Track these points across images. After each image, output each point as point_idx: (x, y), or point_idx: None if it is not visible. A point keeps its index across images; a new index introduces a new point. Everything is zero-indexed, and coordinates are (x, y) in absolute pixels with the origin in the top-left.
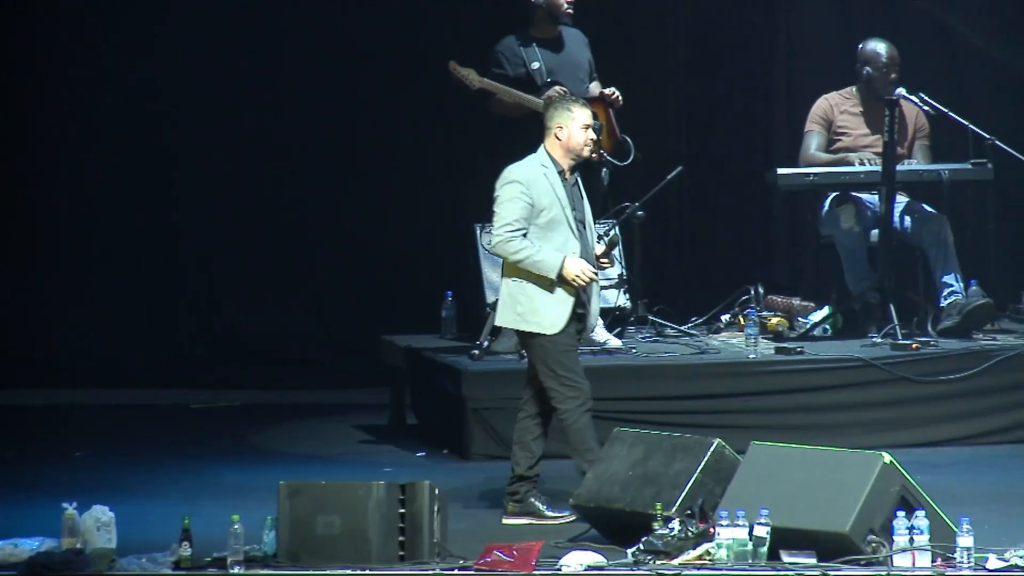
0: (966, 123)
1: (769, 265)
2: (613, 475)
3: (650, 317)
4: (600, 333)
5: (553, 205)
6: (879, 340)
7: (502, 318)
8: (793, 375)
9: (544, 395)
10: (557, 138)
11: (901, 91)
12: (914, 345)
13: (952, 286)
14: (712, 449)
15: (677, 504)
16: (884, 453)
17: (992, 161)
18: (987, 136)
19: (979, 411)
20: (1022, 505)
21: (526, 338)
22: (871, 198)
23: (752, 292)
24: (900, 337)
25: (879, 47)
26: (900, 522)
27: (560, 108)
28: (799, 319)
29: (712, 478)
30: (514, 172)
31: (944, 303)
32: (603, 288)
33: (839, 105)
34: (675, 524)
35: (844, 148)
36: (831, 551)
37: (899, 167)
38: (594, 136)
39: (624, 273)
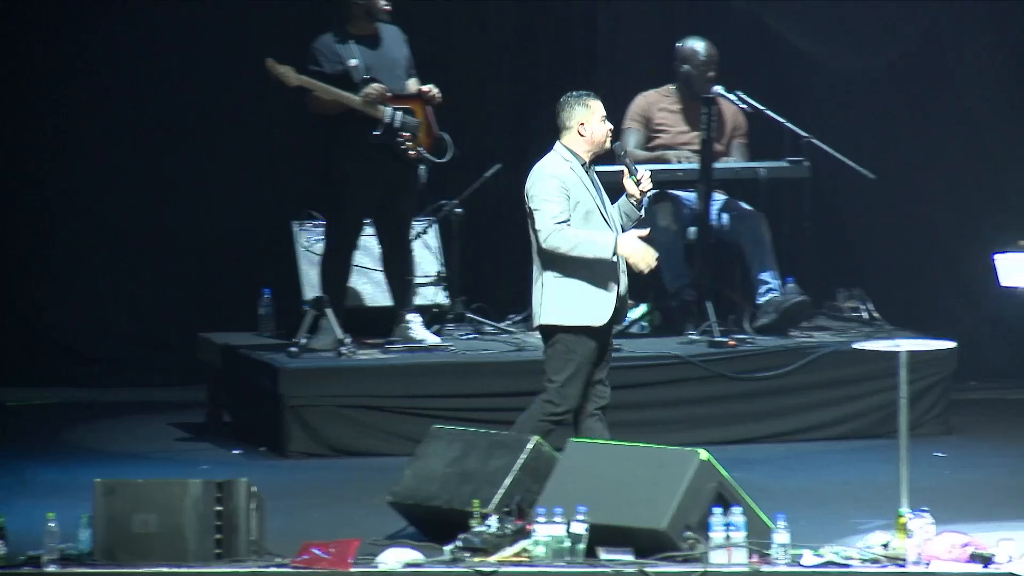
0: (783, 121)
1: None
2: (431, 472)
3: (468, 314)
4: (418, 331)
5: (585, 197)
6: (696, 337)
7: (545, 315)
8: (611, 372)
9: (598, 391)
10: (580, 134)
11: (719, 89)
12: (731, 342)
13: (769, 283)
14: (530, 446)
15: (495, 501)
16: (701, 450)
17: (809, 159)
18: (804, 134)
19: (795, 408)
20: (838, 502)
21: (559, 333)
22: (689, 196)
23: None
24: (717, 334)
25: (697, 45)
26: (717, 518)
27: (577, 105)
28: None
29: (530, 475)
30: (547, 168)
31: (761, 300)
32: (421, 285)
33: (657, 103)
34: (493, 521)
35: (662, 146)
36: (648, 548)
37: (717, 165)
38: (611, 126)
39: (442, 270)
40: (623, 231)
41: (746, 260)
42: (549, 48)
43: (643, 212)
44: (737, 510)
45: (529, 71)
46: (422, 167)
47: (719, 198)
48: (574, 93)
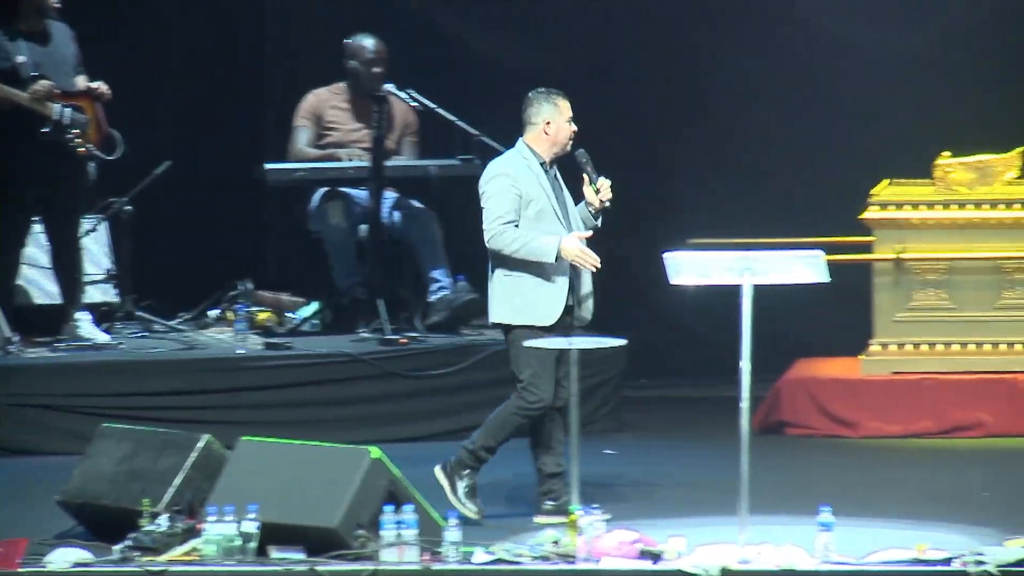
0: (454, 119)
1: (258, 260)
2: (100, 471)
3: (138, 312)
4: (88, 329)
5: (540, 196)
6: (368, 335)
7: (495, 314)
8: (282, 370)
9: (558, 391)
10: (545, 132)
11: (390, 87)
12: (402, 340)
13: (440, 281)
14: (201, 445)
15: (165, 500)
16: (373, 448)
17: (480, 157)
18: (475, 132)
19: (467, 405)
20: (506, 498)
21: (515, 331)
22: (360, 193)
23: (241, 287)
24: (389, 332)
25: (365, 41)
26: (388, 517)
27: (545, 103)
28: (288, 314)
29: (201, 474)
30: (500, 166)
31: (432, 298)
32: (90, 283)
33: (327, 100)
34: (163, 520)
35: (333, 143)
36: (320, 546)
37: (388, 163)
38: (575, 128)
39: (112, 268)
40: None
41: (417, 258)
42: (217, 44)
43: (599, 222)
44: (408, 508)
45: (198, 68)
46: (91, 164)
47: (390, 196)
48: (543, 90)
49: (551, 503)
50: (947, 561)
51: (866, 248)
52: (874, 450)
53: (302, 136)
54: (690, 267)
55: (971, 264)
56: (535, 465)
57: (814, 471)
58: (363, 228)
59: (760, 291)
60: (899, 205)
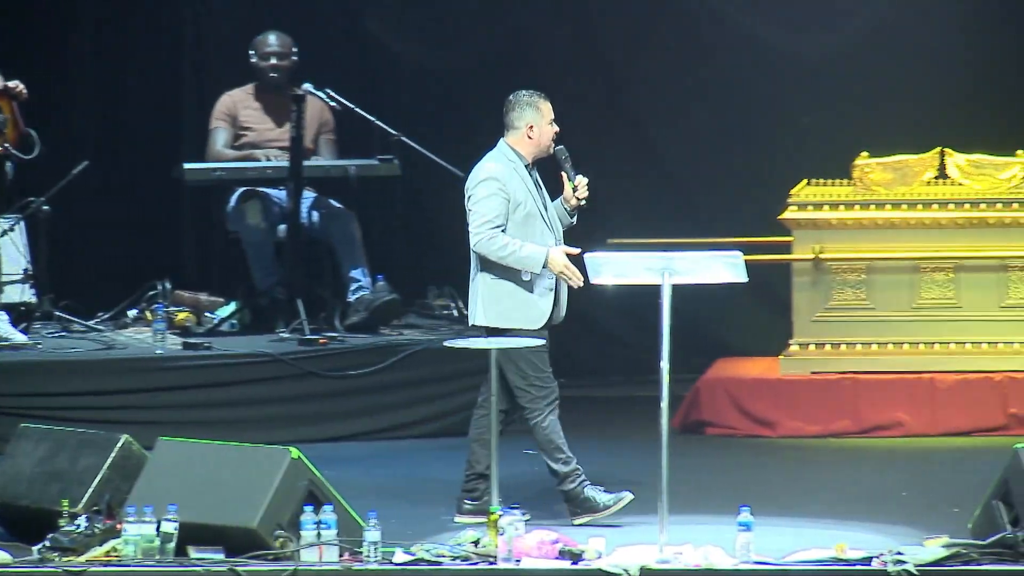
0: (373, 119)
1: (177, 260)
2: (19, 472)
3: (56, 312)
4: (4, 329)
5: (527, 200)
6: (287, 335)
7: (482, 316)
8: (201, 370)
9: (509, 392)
10: (528, 136)
11: (308, 86)
12: (322, 340)
13: (360, 281)
14: (120, 445)
15: (84, 501)
16: (292, 448)
17: (399, 157)
18: (393, 132)
19: (387, 406)
20: (430, 499)
21: (497, 334)
22: (279, 193)
23: (160, 287)
24: (308, 332)
25: (268, 36)
26: (308, 517)
27: (528, 106)
28: (207, 314)
29: (120, 474)
30: (488, 169)
31: (352, 298)
32: (8, 283)
33: (242, 101)
34: (82, 521)
35: (249, 144)
36: (240, 546)
37: (307, 163)
38: (557, 129)
39: (30, 268)
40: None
41: (336, 258)
42: (135, 44)
43: (575, 220)
44: (328, 508)
45: (115, 67)
46: (9, 164)
47: (309, 196)
48: (525, 93)
49: (472, 503)
50: (867, 560)
51: (785, 248)
52: (793, 450)
53: (219, 137)
54: (610, 267)
55: (890, 264)
56: (468, 459)
57: (734, 471)
58: (282, 228)
59: (680, 291)
60: (818, 205)
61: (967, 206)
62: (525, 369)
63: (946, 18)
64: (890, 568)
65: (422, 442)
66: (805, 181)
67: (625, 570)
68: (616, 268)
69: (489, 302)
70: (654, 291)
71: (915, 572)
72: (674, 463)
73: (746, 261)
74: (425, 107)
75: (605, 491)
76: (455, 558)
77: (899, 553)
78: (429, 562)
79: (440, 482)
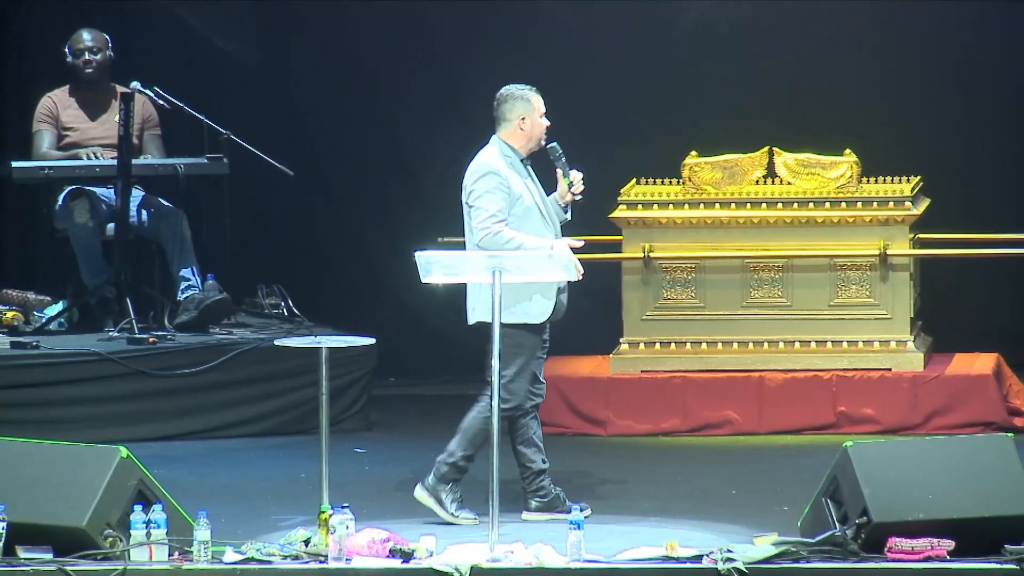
0: (202, 117)
1: (3, 259)
2: None
3: None
4: None
5: (525, 193)
6: (116, 334)
7: (482, 313)
8: (29, 369)
9: (536, 388)
10: (520, 129)
11: (136, 85)
12: (151, 339)
13: (189, 280)
14: None
15: None
16: (121, 447)
17: (228, 156)
18: (223, 131)
19: (217, 405)
20: (260, 498)
21: (506, 330)
22: (107, 192)
23: None
24: (137, 331)
25: (81, 33)
26: (138, 516)
27: (519, 99)
28: (35, 313)
29: None
30: (488, 163)
31: (181, 297)
32: None
33: (62, 101)
34: None
35: (73, 144)
36: (69, 546)
37: (136, 161)
38: (549, 123)
39: None
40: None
41: (166, 257)
42: None
43: (569, 215)
44: (158, 507)
45: None
46: None
47: (138, 194)
48: (515, 87)
49: (540, 500)
50: (697, 559)
51: (615, 247)
52: (624, 448)
53: (44, 139)
54: (441, 265)
55: (719, 263)
56: (521, 462)
57: (565, 469)
58: (110, 227)
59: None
60: (647, 204)
61: (796, 205)
62: (511, 367)
63: (773, 16)
64: (720, 566)
65: (252, 441)
66: (634, 180)
67: (456, 569)
68: (447, 267)
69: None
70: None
71: (744, 570)
72: (505, 461)
73: (576, 259)
74: (255, 105)
75: (465, 509)
76: (286, 557)
77: (729, 551)
78: (259, 561)
79: (270, 481)
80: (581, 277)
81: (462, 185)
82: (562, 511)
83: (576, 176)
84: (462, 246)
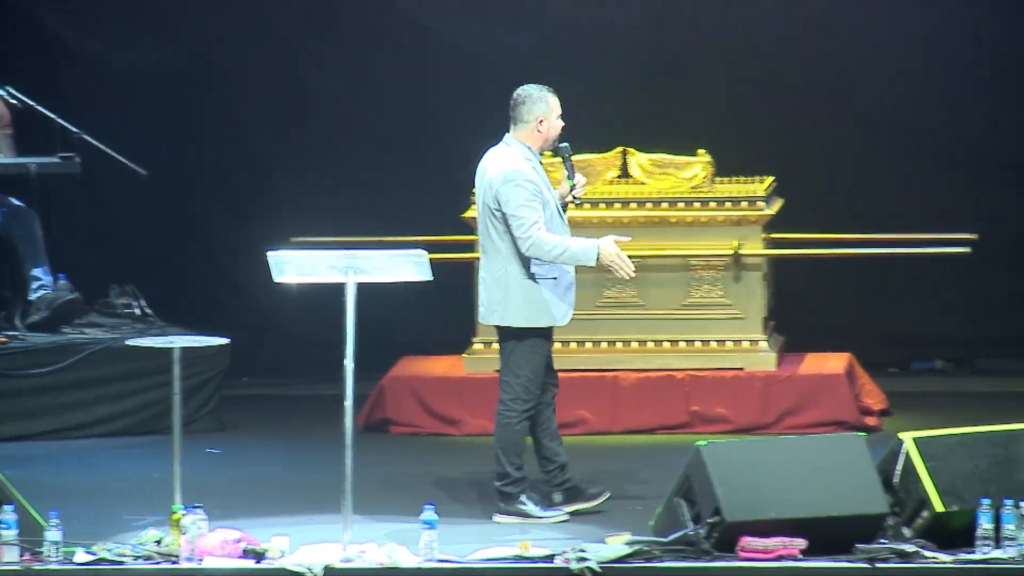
0: (54, 116)
1: None
2: None
3: None
4: None
5: (548, 196)
6: None
7: (512, 317)
8: None
9: (551, 379)
10: (538, 130)
11: None
12: (3, 339)
13: (41, 280)
14: None
15: None
16: None
17: (81, 155)
18: (75, 130)
19: (68, 405)
20: (112, 499)
21: (525, 333)
22: None
23: None
24: None
25: None
26: None
27: (538, 100)
28: None
29: None
30: (521, 172)
31: (33, 297)
32: None
33: None
34: None
35: None
36: None
37: None
38: (563, 123)
39: None
40: None
41: (18, 256)
42: None
43: (566, 216)
44: (9, 508)
45: None
46: None
47: None
48: (534, 87)
49: (564, 492)
50: (550, 558)
51: (469, 247)
52: (478, 448)
53: None
54: (294, 265)
55: None
56: (546, 455)
57: (418, 469)
58: None
59: (364, 289)
60: None
61: (649, 205)
62: (524, 370)
63: (627, 18)
64: (572, 565)
65: (104, 441)
66: None
67: (309, 568)
68: (300, 267)
69: (521, 302)
70: (339, 290)
71: (598, 569)
72: (358, 462)
73: (430, 259)
74: (107, 105)
75: (552, 505)
76: (137, 558)
77: (582, 551)
78: (111, 562)
79: (122, 481)
80: (632, 276)
81: (485, 186)
82: (584, 501)
83: (580, 180)
84: (314, 246)
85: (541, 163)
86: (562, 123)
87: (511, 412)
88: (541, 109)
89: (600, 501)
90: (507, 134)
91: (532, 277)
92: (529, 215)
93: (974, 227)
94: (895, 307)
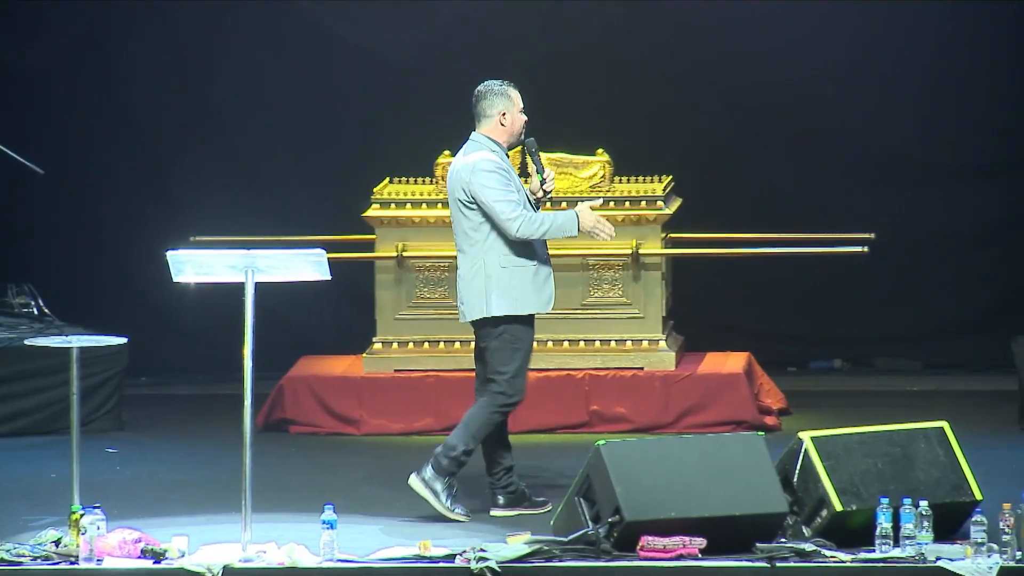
0: None
1: None
2: None
3: None
4: None
5: (518, 184)
6: None
7: (494, 307)
8: None
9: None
10: (501, 124)
11: None
12: None
13: None
14: None
15: None
16: None
17: None
18: None
19: None
20: (9, 499)
21: (505, 323)
22: None
23: None
24: None
25: None
26: None
27: (500, 95)
28: None
29: None
30: (490, 160)
31: None
32: None
33: None
34: None
35: None
36: None
37: None
38: (526, 117)
39: None
40: None
41: None
42: None
43: (539, 211)
44: None
45: None
46: None
47: None
48: (494, 83)
49: (509, 496)
50: (450, 558)
51: (369, 246)
52: (377, 447)
53: None
54: (193, 265)
55: None
56: (491, 459)
57: (318, 469)
58: None
59: (264, 289)
60: (400, 203)
61: (548, 204)
62: (513, 359)
63: (524, 18)
64: (473, 565)
65: (2, 441)
66: (388, 179)
67: (208, 568)
68: (199, 266)
69: (502, 291)
70: (238, 289)
71: (498, 569)
72: (258, 461)
73: (329, 259)
74: (4, 103)
75: (460, 503)
76: (36, 558)
77: (482, 550)
78: (9, 562)
79: (20, 481)
80: (612, 237)
81: (453, 181)
82: (529, 506)
83: (549, 174)
84: (214, 245)
85: (508, 157)
86: (524, 117)
87: (490, 405)
88: (503, 103)
89: (542, 512)
90: (473, 132)
91: (511, 265)
92: (507, 199)
93: (871, 227)
94: (793, 306)
